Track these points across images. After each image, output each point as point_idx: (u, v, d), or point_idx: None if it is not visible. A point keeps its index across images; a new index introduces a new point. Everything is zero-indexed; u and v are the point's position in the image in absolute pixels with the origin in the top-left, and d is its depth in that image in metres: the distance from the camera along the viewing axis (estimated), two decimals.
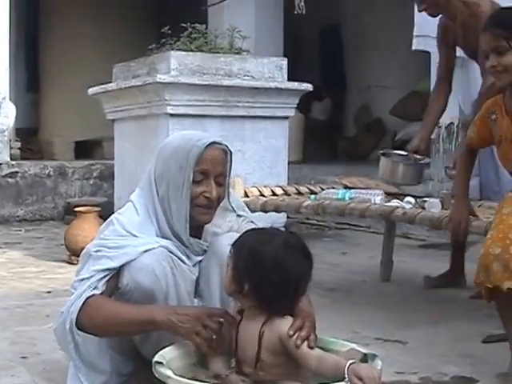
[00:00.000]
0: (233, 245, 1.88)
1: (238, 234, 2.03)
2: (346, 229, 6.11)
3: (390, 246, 3.99)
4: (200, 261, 2.21)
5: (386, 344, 2.76)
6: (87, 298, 2.01)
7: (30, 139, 8.35)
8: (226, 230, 2.22)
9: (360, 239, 5.60)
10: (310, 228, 6.32)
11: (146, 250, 2.05)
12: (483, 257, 2.21)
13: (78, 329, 2.03)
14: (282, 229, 2.21)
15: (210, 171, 2.12)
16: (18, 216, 6.74)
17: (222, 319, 1.91)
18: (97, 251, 2.09)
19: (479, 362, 2.53)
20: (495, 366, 2.43)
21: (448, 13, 3.47)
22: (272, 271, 1.79)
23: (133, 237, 2.11)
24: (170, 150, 2.17)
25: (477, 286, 2.30)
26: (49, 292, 3.70)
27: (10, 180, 6.69)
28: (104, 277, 2.05)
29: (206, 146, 2.12)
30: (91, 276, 2.05)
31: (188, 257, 2.17)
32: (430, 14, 3.55)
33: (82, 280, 2.06)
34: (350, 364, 1.65)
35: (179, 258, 2.13)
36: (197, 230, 2.20)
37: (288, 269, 1.80)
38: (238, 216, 2.28)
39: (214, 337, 1.87)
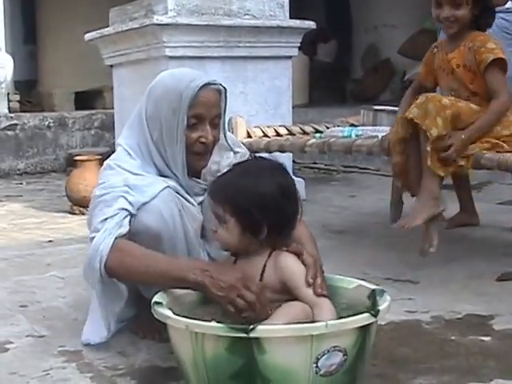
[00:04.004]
0: (225, 201, 1.76)
1: None
2: (354, 172, 6.02)
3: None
4: (201, 201, 2.13)
5: (397, 284, 2.68)
6: (116, 238, 1.92)
7: (29, 92, 8.24)
8: (225, 166, 2.12)
9: (369, 182, 5.49)
10: (318, 172, 6.22)
11: (157, 194, 1.97)
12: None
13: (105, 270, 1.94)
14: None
15: (205, 115, 2.03)
16: (18, 169, 6.66)
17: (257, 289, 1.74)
18: (107, 193, 2.00)
19: (494, 300, 2.45)
20: (510, 304, 2.37)
21: None
22: (283, 200, 1.74)
23: (139, 176, 2.03)
24: (162, 90, 2.06)
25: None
26: (50, 241, 3.64)
27: (9, 133, 6.59)
28: (126, 216, 1.96)
29: (200, 88, 2.01)
30: (115, 214, 1.96)
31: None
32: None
33: (106, 219, 1.96)
34: None
35: (186, 200, 2.06)
36: (195, 171, 2.13)
37: (293, 191, 1.77)
38: (235, 153, 2.20)
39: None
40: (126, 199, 1.97)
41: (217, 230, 1.80)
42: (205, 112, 2.02)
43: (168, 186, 2.00)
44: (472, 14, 2.81)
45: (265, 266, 1.77)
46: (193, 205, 2.08)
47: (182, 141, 2.02)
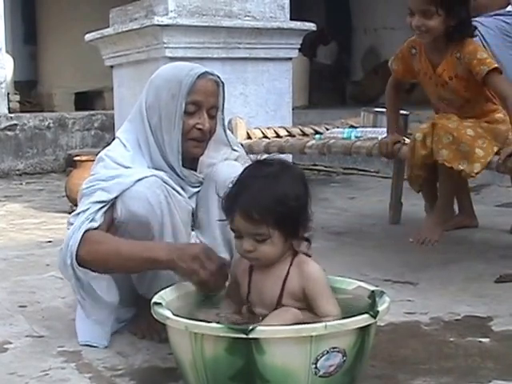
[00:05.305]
0: (266, 216, 1.67)
1: (235, 163, 2.03)
2: (354, 174, 6.02)
3: (398, 188, 3.88)
4: (197, 192, 2.17)
5: (396, 285, 2.68)
6: (86, 231, 1.94)
7: (29, 92, 8.26)
8: (220, 161, 2.18)
9: (369, 184, 5.49)
10: (318, 174, 6.22)
11: (139, 179, 1.99)
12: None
13: (79, 264, 1.96)
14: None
15: (203, 102, 2.08)
16: (18, 169, 6.67)
17: (220, 261, 1.88)
18: (89, 187, 2.03)
19: (493, 302, 2.45)
20: (509, 306, 2.37)
21: None
22: (308, 194, 1.74)
23: (125, 168, 2.06)
24: (162, 79, 2.12)
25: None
26: (49, 242, 3.63)
27: (9, 133, 6.60)
28: (100, 208, 1.98)
29: (199, 76, 2.07)
30: (87, 208, 1.98)
31: (183, 189, 2.12)
32: None
33: (79, 214, 1.99)
34: None
35: (174, 189, 2.06)
36: (192, 163, 2.17)
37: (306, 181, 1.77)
38: (233, 150, 2.24)
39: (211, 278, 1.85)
40: (103, 190, 1.99)
41: (255, 248, 1.70)
42: (202, 99, 2.07)
43: (154, 175, 2.02)
44: (447, 25, 2.71)
45: (288, 272, 1.73)
46: (180, 194, 2.08)
47: (179, 127, 2.07)
